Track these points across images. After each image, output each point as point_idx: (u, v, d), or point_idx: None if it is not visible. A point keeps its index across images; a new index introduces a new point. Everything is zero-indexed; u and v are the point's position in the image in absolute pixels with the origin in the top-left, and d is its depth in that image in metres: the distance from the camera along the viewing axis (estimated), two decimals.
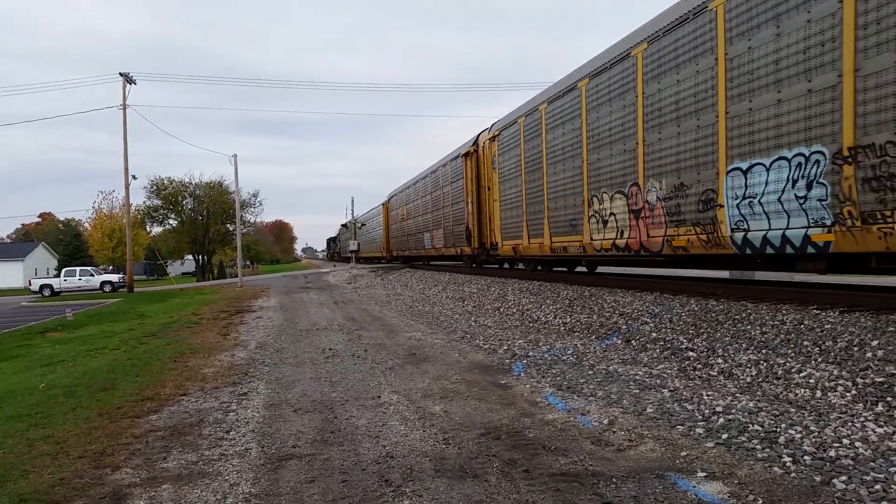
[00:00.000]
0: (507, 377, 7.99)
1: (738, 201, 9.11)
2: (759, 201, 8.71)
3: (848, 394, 5.74)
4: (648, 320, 9.99)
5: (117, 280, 43.79)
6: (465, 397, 6.99)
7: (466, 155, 22.78)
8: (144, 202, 70.10)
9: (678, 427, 5.48)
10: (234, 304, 22.35)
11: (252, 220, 78.58)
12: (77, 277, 43.58)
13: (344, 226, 72.13)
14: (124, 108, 38.07)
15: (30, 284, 44.98)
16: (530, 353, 9.31)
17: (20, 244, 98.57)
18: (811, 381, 6.19)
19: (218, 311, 19.64)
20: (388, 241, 42.63)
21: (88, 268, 47.54)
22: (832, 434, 4.86)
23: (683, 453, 4.83)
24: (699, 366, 7.58)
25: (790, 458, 4.52)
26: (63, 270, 46.26)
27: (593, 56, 13.51)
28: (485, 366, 8.80)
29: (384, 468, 4.83)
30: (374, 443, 5.46)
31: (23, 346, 14.25)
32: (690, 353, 8.05)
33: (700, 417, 5.64)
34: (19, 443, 5.95)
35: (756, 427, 5.18)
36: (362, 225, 55.32)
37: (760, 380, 6.65)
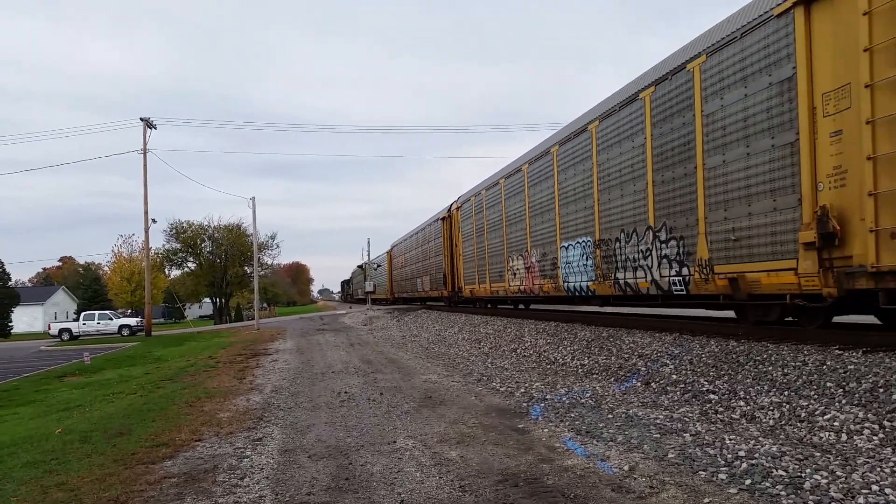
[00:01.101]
0: (524, 421, 7.87)
1: (565, 265, 15.56)
2: (571, 265, 15.17)
3: (875, 437, 5.59)
4: (668, 362, 9.85)
5: (135, 324, 44.04)
6: (481, 442, 6.89)
7: (443, 219, 29.59)
8: (163, 245, 71.06)
9: (700, 473, 5.35)
10: (251, 347, 22.36)
11: (269, 263, 79.20)
12: (95, 321, 43.88)
13: (360, 267, 72.43)
14: (144, 153, 38.79)
15: (49, 328, 45.32)
16: (548, 396, 9.19)
17: (41, 288, 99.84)
18: (836, 423, 6.04)
19: (234, 355, 19.64)
20: (392, 284, 48.27)
21: (107, 311, 47.91)
22: (860, 479, 4.72)
23: (706, 500, 4.71)
24: (721, 409, 7.44)
25: None
26: (81, 314, 46.63)
27: (502, 168, 21.42)
28: (502, 409, 8.69)
29: None
30: (390, 490, 5.38)
31: (40, 391, 14.30)
32: (712, 396, 7.91)
33: (723, 463, 5.51)
34: (34, 490, 5.93)
35: (780, 472, 5.05)
36: (378, 266, 55.54)
37: (783, 423, 6.51)
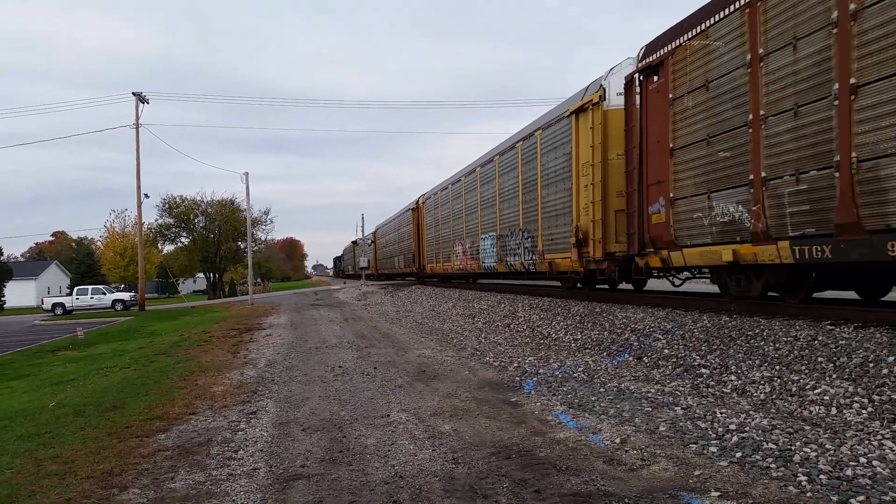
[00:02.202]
0: (517, 395, 7.92)
1: (482, 251, 22.21)
2: (485, 252, 21.79)
3: (864, 411, 5.64)
4: (660, 336, 9.90)
5: (129, 298, 43.94)
6: (475, 416, 6.93)
7: (413, 210, 36.72)
8: (156, 220, 70.70)
9: (691, 446, 5.40)
10: (245, 322, 22.38)
11: (263, 238, 79.00)
12: (89, 296, 43.74)
13: (353, 243, 72.45)
14: (137, 128, 38.42)
15: (42, 303, 45.18)
16: (541, 371, 9.24)
17: (33, 263, 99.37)
18: (826, 398, 6.09)
19: (228, 329, 19.66)
20: (376, 262, 53.79)
21: (100, 286, 47.75)
22: (848, 452, 4.77)
23: (697, 472, 4.75)
24: (712, 383, 7.49)
25: (806, 478, 4.44)
26: (75, 289, 46.44)
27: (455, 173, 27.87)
28: (495, 383, 8.73)
29: (393, 489, 4.77)
30: (383, 462, 5.41)
31: (34, 365, 14.28)
32: (703, 370, 7.96)
33: (713, 436, 5.56)
34: (27, 462, 5.94)
35: (770, 445, 5.09)
36: (371, 243, 55.64)
37: (774, 397, 6.56)
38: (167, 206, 69.65)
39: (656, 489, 4.50)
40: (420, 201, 34.84)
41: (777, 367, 7.18)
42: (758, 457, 4.92)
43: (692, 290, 14.83)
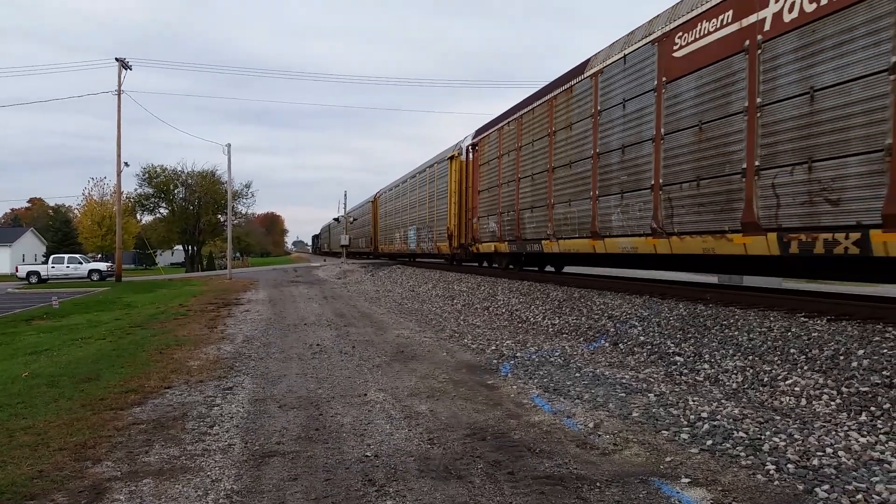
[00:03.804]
0: (494, 377, 7.98)
1: (413, 238, 31.42)
2: (410, 238, 32.10)
3: (832, 402, 5.75)
4: (637, 324, 10.01)
5: (105, 269, 43.46)
6: (451, 397, 6.98)
7: (372, 201, 45.88)
8: (136, 190, 69.79)
9: (663, 432, 5.48)
10: (223, 297, 22.26)
11: (244, 212, 78.32)
12: (65, 265, 43.21)
13: (335, 220, 72.19)
14: (119, 94, 37.78)
15: (16, 271, 44.56)
16: (518, 354, 9.31)
17: (8, 229, 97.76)
18: (797, 388, 6.21)
19: (206, 303, 19.55)
20: (350, 243, 59.95)
21: (77, 255, 47.16)
22: (816, 443, 4.88)
23: (668, 458, 4.83)
24: (686, 371, 7.60)
25: (774, 466, 4.53)
26: (51, 258, 45.83)
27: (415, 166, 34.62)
28: (472, 365, 8.79)
29: (368, 467, 4.80)
30: (359, 441, 5.44)
31: (6, 334, 14.12)
32: (677, 358, 8.07)
33: (685, 423, 5.65)
34: None
35: (741, 434, 5.19)
36: (354, 220, 55.47)
37: (746, 386, 6.67)
38: (147, 175, 68.75)
39: (628, 474, 4.57)
40: (377, 195, 44.38)
41: (750, 357, 7.29)
42: (728, 445, 5.01)
43: (669, 279, 14.97)
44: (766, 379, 6.65)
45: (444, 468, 4.76)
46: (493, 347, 10.00)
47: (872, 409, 5.41)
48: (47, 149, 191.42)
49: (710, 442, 5.12)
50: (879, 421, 5.21)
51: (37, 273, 42.82)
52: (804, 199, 8.03)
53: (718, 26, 9.59)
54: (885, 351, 6.23)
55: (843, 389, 5.88)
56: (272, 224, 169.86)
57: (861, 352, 6.39)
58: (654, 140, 10.96)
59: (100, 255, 60.02)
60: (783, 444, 4.91)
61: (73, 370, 8.91)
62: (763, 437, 5.09)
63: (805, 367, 6.59)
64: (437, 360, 9.25)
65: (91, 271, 42.84)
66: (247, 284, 29.33)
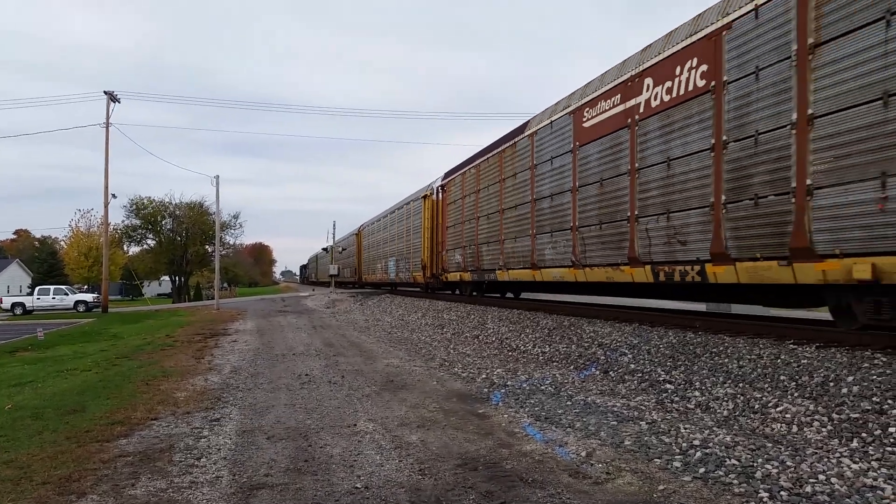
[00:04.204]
0: (485, 406, 7.93)
1: (392, 269, 34.09)
2: (390, 269, 34.67)
3: (824, 429, 5.75)
4: (627, 351, 10.00)
5: (92, 300, 43.07)
6: (442, 426, 6.92)
7: (356, 234, 48.36)
8: (123, 221, 69.45)
9: (656, 460, 5.45)
10: (210, 327, 22.07)
11: (232, 242, 78.07)
12: (51, 296, 42.78)
13: (324, 249, 72.15)
14: (107, 127, 37.82)
15: (1, 302, 44.05)
16: (509, 383, 9.26)
17: None
18: (787, 415, 6.20)
19: (193, 334, 19.37)
20: (339, 273, 61.62)
21: (63, 287, 46.73)
22: (808, 469, 4.86)
23: (661, 487, 4.80)
24: (676, 398, 7.58)
25: (767, 494, 4.51)
26: (36, 289, 45.37)
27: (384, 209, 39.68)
28: (463, 394, 8.73)
29: (358, 499, 4.74)
30: (349, 472, 5.37)
31: None
32: (668, 386, 8.05)
33: (677, 451, 5.62)
34: None
35: (733, 461, 5.17)
36: (343, 249, 55.50)
37: (737, 413, 6.66)
38: (134, 207, 68.52)
39: (621, 503, 4.53)
40: (361, 228, 46.89)
41: (740, 385, 7.29)
42: (721, 472, 4.99)
43: (658, 307, 15.01)
44: (756, 406, 6.64)
45: (436, 499, 4.70)
46: (484, 376, 9.94)
47: (864, 435, 5.41)
48: (34, 180, 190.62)
49: (702, 470, 5.09)
50: (871, 447, 5.21)
51: (22, 304, 42.32)
52: (666, 241, 10.49)
53: (611, 106, 12.20)
54: (875, 377, 6.25)
55: (834, 416, 5.88)
56: (260, 254, 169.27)
57: (850, 378, 6.41)
58: (572, 191, 13.59)
59: (86, 287, 59.43)
60: (776, 471, 4.89)
61: (58, 402, 8.78)
62: (755, 464, 5.07)
63: (795, 394, 6.59)
64: (428, 389, 9.18)
65: (77, 302, 42.44)
66: (234, 315, 29.13)
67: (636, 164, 11.29)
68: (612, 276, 12.18)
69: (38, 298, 42.57)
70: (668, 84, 10.50)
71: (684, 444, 5.74)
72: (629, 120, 11.51)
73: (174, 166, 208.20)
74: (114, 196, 39.99)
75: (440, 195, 24.59)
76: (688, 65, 10.06)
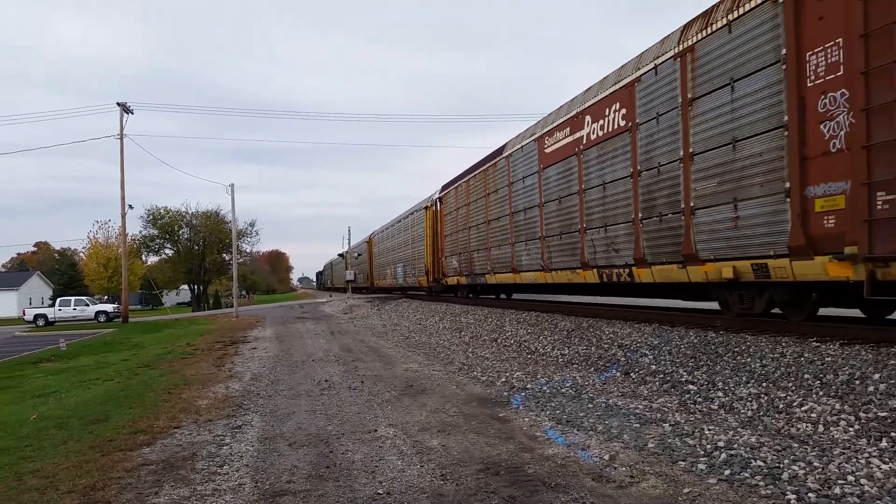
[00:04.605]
0: (505, 410, 7.89)
1: (398, 273, 37.38)
2: (398, 274, 37.39)
3: (851, 429, 5.66)
4: (647, 352, 9.92)
5: (112, 310, 43.50)
6: (463, 431, 6.90)
7: (367, 242, 51.63)
8: (140, 232, 70.12)
9: (680, 463, 5.39)
10: (230, 335, 22.21)
11: (248, 250, 78.55)
12: (72, 307, 43.25)
13: (340, 255, 72.46)
14: (121, 138, 38.21)
15: (24, 314, 44.57)
16: (528, 386, 9.22)
17: (15, 273, 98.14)
18: (813, 415, 6.12)
19: (213, 342, 19.49)
20: (355, 278, 64.20)
21: (83, 297, 47.24)
22: (836, 470, 4.78)
23: (686, 490, 4.75)
24: (699, 399, 7.51)
25: (794, 496, 4.44)
26: (57, 300, 45.90)
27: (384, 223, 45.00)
28: (483, 398, 8.70)
29: None
30: (371, 478, 5.36)
31: (14, 377, 14.08)
32: (690, 387, 7.98)
33: (702, 453, 5.55)
34: (7, 476, 5.83)
35: (759, 463, 5.10)
36: (359, 255, 55.68)
37: (761, 414, 6.58)
38: (151, 217, 69.19)
39: None
40: (371, 236, 50.49)
41: (764, 384, 7.20)
42: (746, 474, 4.92)
43: (678, 307, 14.88)
44: (781, 406, 6.56)
45: None
46: (503, 379, 9.91)
47: (893, 434, 5.32)
48: (52, 192, 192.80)
49: (727, 472, 5.03)
50: None
51: (44, 316, 42.85)
52: (605, 249, 12.93)
53: (564, 136, 14.72)
54: None
55: (861, 415, 5.79)
56: (277, 261, 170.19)
57: (877, 376, 6.31)
58: (539, 206, 16.11)
59: (106, 297, 60.04)
60: (802, 472, 4.82)
61: (81, 412, 8.86)
62: (782, 465, 5.00)
63: (820, 393, 6.50)
64: (447, 393, 9.16)
65: (98, 313, 42.89)
66: (253, 322, 29.29)
67: (583, 185, 13.80)
68: (571, 279, 14.67)
69: (60, 310, 43.07)
70: (602, 122, 12.93)
71: (708, 446, 5.67)
72: (576, 149, 14.08)
73: (189, 175, 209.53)
74: (131, 207, 40.35)
75: (439, 206, 27.46)
76: (613, 107, 12.46)
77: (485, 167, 20.72)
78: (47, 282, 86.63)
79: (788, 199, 8.26)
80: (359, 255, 56.02)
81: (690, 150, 10.07)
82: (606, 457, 5.68)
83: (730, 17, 9.29)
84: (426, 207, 29.61)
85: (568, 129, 14.42)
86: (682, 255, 10.36)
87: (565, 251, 14.67)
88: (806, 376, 6.95)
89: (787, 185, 8.26)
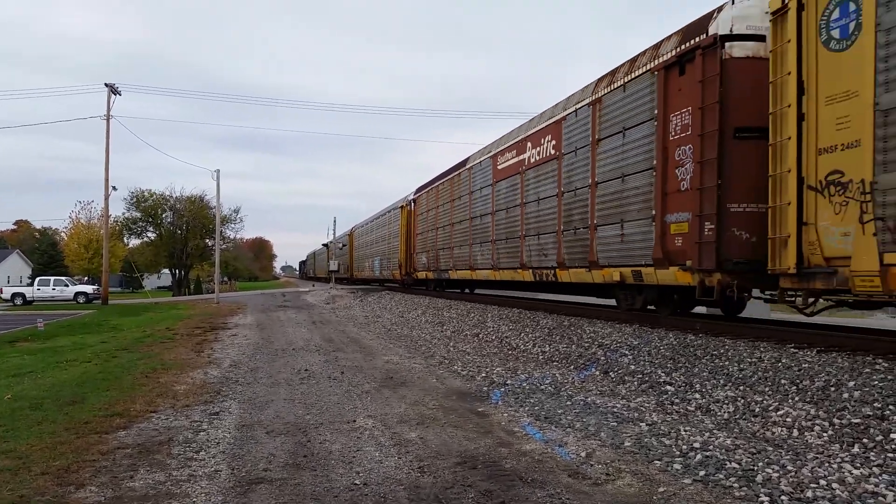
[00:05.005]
0: (484, 405, 7.91)
1: (375, 266, 40.31)
2: (375, 266, 40.30)
3: (825, 434, 5.74)
4: (627, 352, 9.98)
5: (92, 291, 43.02)
6: (441, 424, 6.91)
7: (349, 234, 54.20)
8: (123, 214, 69.32)
9: (656, 462, 5.44)
10: (210, 321, 22.07)
11: (232, 237, 77.94)
12: (51, 287, 42.72)
13: (324, 245, 72.23)
14: (108, 119, 37.76)
15: (1, 292, 44.00)
16: (508, 381, 9.25)
17: None
18: (788, 419, 6.19)
19: (193, 327, 19.36)
20: (338, 269, 65.26)
21: (63, 278, 46.70)
22: (809, 474, 4.85)
23: (661, 489, 4.79)
24: (677, 400, 7.57)
25: (768, 498, 4.49)
26: (36, 279, 45.36)
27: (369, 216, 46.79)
28: (462, 392, 8.72)
29: (357, 496, 4.73)
30: (348, 469, 5.36)
31: None
32: (668, 388, 8.04)
33: (678, 453, 5.60)
34: None
35: (734, 465, 5.15)
36: (343, 246, 55.63)
37: (738, 416, 6.65)
38: (135, 199, 68.34)
39: None
40: (352, 230, 53.00)
41: (741, 388, 7.28)
42: (721, 476, 4.98)
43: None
44: (757, 409, 6.63)
45: (435, 497, 4.69)
46: (484, 374, 9.93)
47: (865, 440, 5.40)
48: (35, 172, 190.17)
49: (702, 473, 5.08)
50: (872, 453, 5.19)
51: (22, 295, 42.28)
52: (538, 253, 15.28)
53: (512, 157, 17.17)
54: (876, 382, 6.24)
55: (835, 421, 5.87)
56: (260, 249, 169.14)
57: (852, 383, 6.39)
58: (492, 214, 18.65)
59: (86, 278, 59.43)
60: (776, 475, 4.88)
61: (57, 393, 8.77)
62: (756, 468, 5.06)
63: (796, 398, 6.58)
64: (427, 386, 9.17)
65: (77, 294, 42.38)
66: (234, 309, 29.12)
67: (524, 199, 16.23)
68: (513, 276, 17.13)
69: (38, 289, 42.53)
70: (539, 149, 15.40)
71: (684, 447, 5.72)
72: (520, 168, 16.53)
73: (175, 159, 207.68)
74: (114, 188, 39.99)
75: (413, 207, 30.33)
76: (547, 138, 14.95)
77: (451, 176, 23.50)
78: (27, 260, 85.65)
79: (654, 223, 10.68)
80: (343, 245, 55.95)
81: (596, 179, 12.52)
82: (583, 454, 5.72)
83: (625, 79, 11.68)
84: (402, 207, 32.21)
85: (515, 151, 17.03)
86: (588, 261, 12.79)
87: (510, 253, 17.08)
88: (783, 381, 7.03)
89: (654, 212, 10.69)
